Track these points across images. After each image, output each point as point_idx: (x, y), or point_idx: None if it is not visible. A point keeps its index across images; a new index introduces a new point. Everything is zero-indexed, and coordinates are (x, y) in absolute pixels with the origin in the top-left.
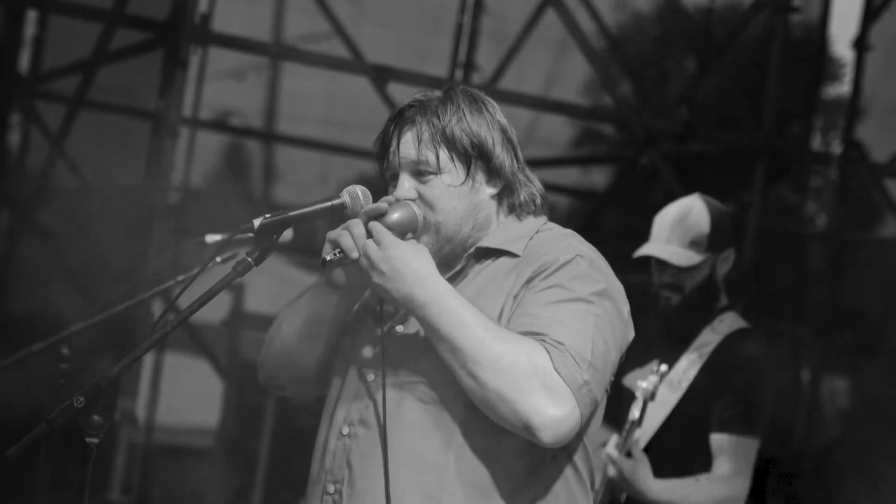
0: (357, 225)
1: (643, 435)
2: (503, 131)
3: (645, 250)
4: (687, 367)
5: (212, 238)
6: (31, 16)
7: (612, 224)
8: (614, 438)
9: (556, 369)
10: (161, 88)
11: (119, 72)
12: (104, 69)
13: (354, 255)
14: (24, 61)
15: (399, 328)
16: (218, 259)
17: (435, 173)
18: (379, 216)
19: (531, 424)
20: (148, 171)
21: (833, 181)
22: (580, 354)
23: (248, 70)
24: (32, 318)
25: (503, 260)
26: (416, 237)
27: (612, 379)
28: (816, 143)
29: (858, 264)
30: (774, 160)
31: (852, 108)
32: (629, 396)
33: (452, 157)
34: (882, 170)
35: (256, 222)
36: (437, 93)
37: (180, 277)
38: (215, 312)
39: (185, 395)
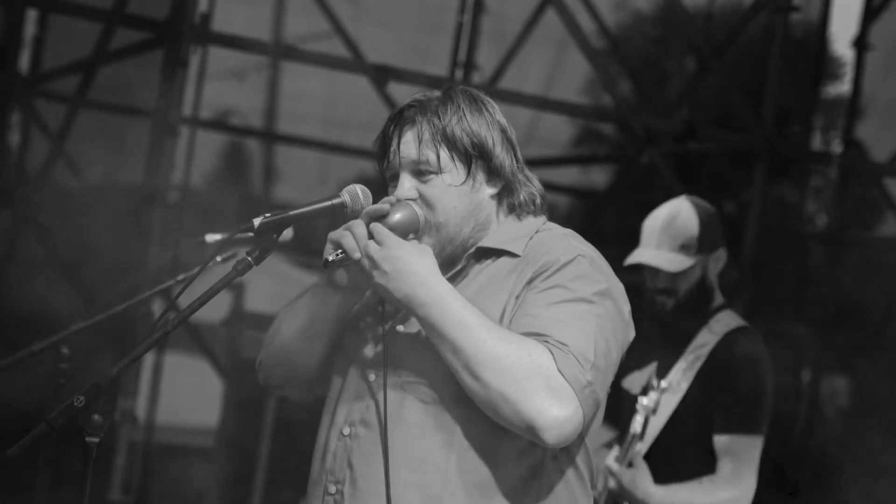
0: (359, 225)
1: (643, 440)
2: (503, 131)
3: (636, 258)
4: (685, 369)
5: (212, 237)
6: (32, 15)
7: (612, 223)
8: (615, 450)
9: (559, 370)
10: (161, 88)
11: (119, 71)
12: (104, 69)
13: (357, 255)
14: (24, 61)
15: (400, 328)
16: (218, 258)
17: (436, 173)
18: (381, 217)
19: (535, 425)
20: (148, 170)
21: (833, 180)
22: (583, 355)
23: (249, 70)
24: (32, 318)
25: (503, 260)
26: (418, 237)
27: (613, 379)
28: (816, 142)
29: (858, 263)
30: (774, 160)
31: (852, 107)
32: (628, 398)
33: (453, 157)
34: (882, 169)
35: (256, 221)
36: (437, 93)
37: (180, 277)
38: (215, 312)
39: (185, 395)
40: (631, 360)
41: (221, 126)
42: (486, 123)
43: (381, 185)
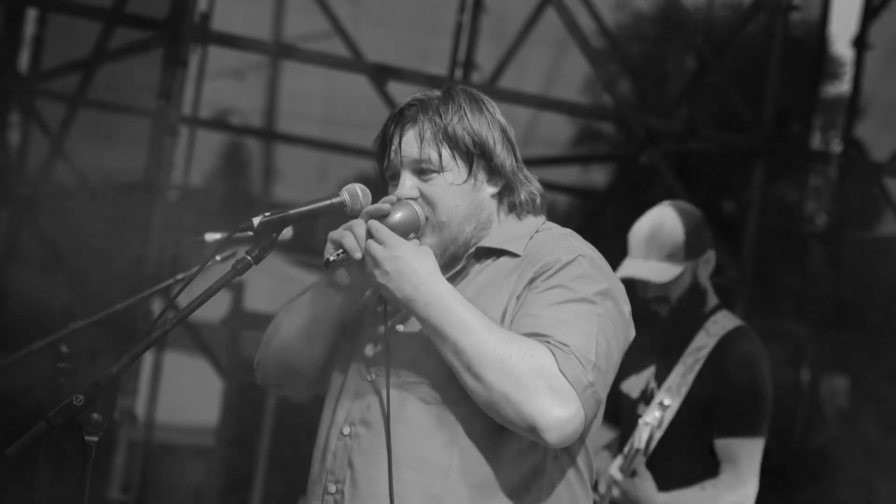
0: (360, 225)
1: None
2: (503, 130)
3: (624, 271)
4: (684, 373)
5: (211, 237)
6: (31, 14)
7: (612, 223)
8: (618, 460)
9: (560, 370)
10: (161, 87)
11: (119, 71)
12: (104, 68)
13: (358, 255)
14: (23, 60)
15: (400, 327)
16: (217, 257)
17: (437, 172)
18: (381, 216)
19: (537, 425)
20: (147, 169)
21: (833, 180)
22: (584, 356)
23: (248, 69)
24: (32, 317)
25: (504, 260)
26: (419, 237)
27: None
28: (816, 141)
29: (858, 263)
30: (774, 159)
31: (852, 106)
32: (627, 402)
33: (455, 156)
34: (882, 168)
35: (256, 221)
36: (437, 92)
37: (180, 276)
38: (215, 311)
39: (184, 394)
40: (629, 364)
41: (221, 125)
42: (487, 123)
43: (381, 185)
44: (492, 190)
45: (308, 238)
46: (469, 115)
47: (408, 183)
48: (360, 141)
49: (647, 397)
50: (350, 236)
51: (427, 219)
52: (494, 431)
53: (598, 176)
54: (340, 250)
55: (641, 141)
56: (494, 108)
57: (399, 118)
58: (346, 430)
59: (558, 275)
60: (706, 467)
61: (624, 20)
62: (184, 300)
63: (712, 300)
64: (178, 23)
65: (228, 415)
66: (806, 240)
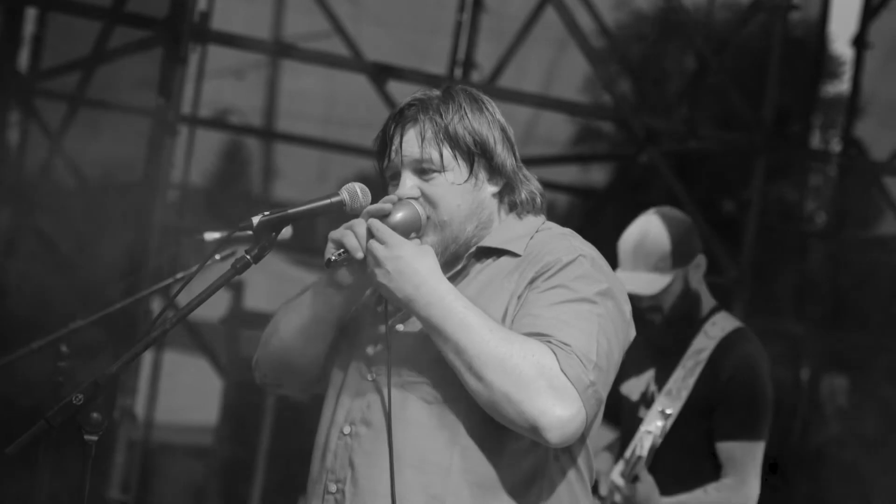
0: (360, 224)
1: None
2: (503, 130)
3: None
4: (685, 377)
5: (211, 236)
6: (31, 14)
7: (611, 222)
8: (619, 465)
9: (562, 370)
10: (160, 86)
11: (118, 70)
12: (103, 67)
13: (359, 255)
14: (23, 59)
15: (400, 327)
16: (217, 256)
17: (438, 171)
18: (383, 216)
19: (538, 425)
20: (147, 169)
21: (832, 179)
22: (586, 355)
23: (248, 68)
24: (31, 317)
25: (504, 259)
26: (420, 236)
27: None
28: (816, 141)
29: (858, 262)
30: (774, 158)
31: (851, 106)
32: (627, 404)
33: (456, 155)
34: (881, 167)
35: (255, 220)
36: (437, 92)
37: (179, 275)
38: (214, 310)
39: (184, 393)
40: (629, 366)
41: (220, 124)
42: (487, 122)
43: (381, 184)
44: (492, 189)
45: (307, 237)
46: (469, 115)
47: (409, 182)
48: (359, 140)
49: (647, 400)
50: (351, 236)
51: (428, 218)
52: (496, 431)
53: (597, 175)
54: (342, 250)
55: (641, 140)
56: (494, 107)
57: (399, 118)
58: (347, 430)
59: (559, 275)
60: (707, 470)
61: (623, 19)
62: (183, 299)
63: (708, 303)
64: (177, 22)
65: (228, 414)
66: (806, 239)
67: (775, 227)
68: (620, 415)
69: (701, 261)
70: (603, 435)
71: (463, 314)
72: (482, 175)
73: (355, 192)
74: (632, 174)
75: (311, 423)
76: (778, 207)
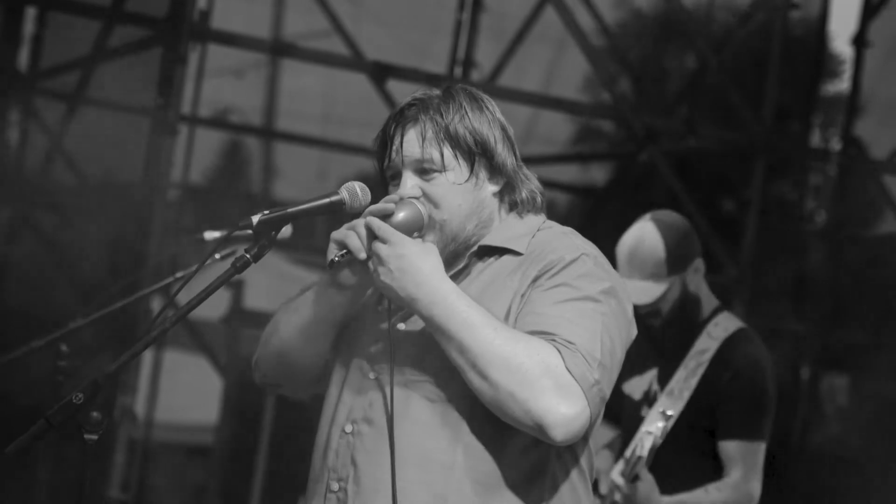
0: (363, 224)
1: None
2: (503, 129)
3: None
4: (687, 377)
5: (210, 235)
6: (30, 13)
7: (612, 221)
8: (620, 464)
9: (567, 369)
10: (160, 86)
11: (118, 69)
12: (103, 66)
13: (362, 255)
14: (23, 58)
15: (401, 326)
16: (217, 255)
17: (439, 171)
18: (385, 216)
19: (543, 423)
20: (147, 168)
21: (832, 178)
22: (590, 354)
23: (248, 67)
24: (31, 316)
25: (506, 258)
26: (422, 236)
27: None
28: (816, 139)
29: (858, 261)
30: (774, 157)
31: (851, 104)
32: (629, 403)
33: (456, 155)
34: (881, 166)
35: (255, 219)
36: (437, 91)
37: (179, 274)
38: (214, 309)
39: (184, 392)
40: (631, 365)
41: (220, 124)
42: (488, 121)
43: (381, 184)
44: (493, 188)
45: (307, 236)
46: (470, 114)
47: (409, 182)
48: (359, 139)
49: (650, 399)
50: (354, 236)
51: (430, 217)
52: (498, 428)
53: (597, 174)
54: (344, 250)
55: (641, 139)
56: (494, 106)
57: (400, 118)
58: (349, 428)
59: (562, 273)
60: (709, 469)
61: (623, 18)
62: (183, 298)
63: (710, 304)
64: (177, 21)
65: (228, 413)
66: (805, 238)
67: (775, 226)
68: (622, 413)
69: (699, 265)
70: (603, 433)
71: (466, 313)
72: (483, 174)
73: (355, 191)
74: (632, 173)
75: (312, 422)
76: (778, 206)
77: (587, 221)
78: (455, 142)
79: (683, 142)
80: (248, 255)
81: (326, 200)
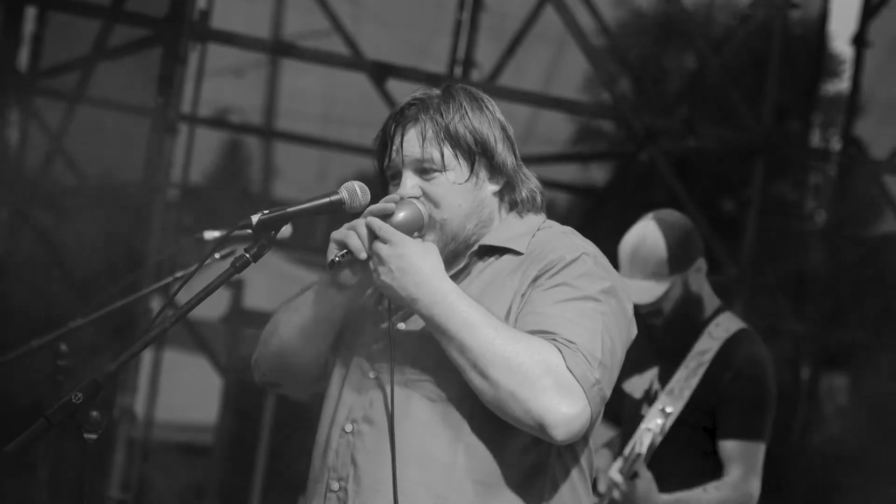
0: (363, 224)
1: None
2: (503, 128)
3: None
4: (687, 376)
5: (210, 234)
6: (30, 13)
7: (611, 221)
8: (618, 462)
9: (568, 368)
10: (160, 85)
11: (118, 69)
12: (103, 66)
13: (363, 255)
14: (23, 58)
15: (401, 325)
16: (216, 255)
17: (440, 171)
18: (385, 216)
19: (544, 423)
20: (147, 167)
21: (832, 178)
22: (591, 353)
23: (247, 67)
24: (31, 315)
25: (506, 258)
26: (422, 235)
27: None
28: (816, 139)
29: (857, 261)
30: (773, 157)
31: (851, 104)
32: (629, 402)
33: (457, 155)
34: (881, 166)
35: (255, 218)
36: (437, 91)
37: (179, 274)
38: (214, 309)
39: (183, 392)
40: (631, 364)
41: (220, 123)
42: (488, 121)
43: (380, 183)
44: (493, 188)
45: (307, 236)
46: (470, 114)
47: (410, 182)
48: (359, 139)
49: (650, 398)
50: (354, 236)
51: (430, 217)
52: (499, 428)
53: (597, 174)
54: (345, 250)
55: (641, 139)
56: (494, 106)
57: (400, 117)
58: (349, 428)
59: (563, 272)
60: (708, 469)
61: (623, 18)
62: (183, 298)
63: (712, 304)
64: (177, 21)
65: (228, 413)
66: (805, 237)
67: (775, 225)
68: (621, 412)
69: (701, 264)
70: (602, 432)
71: (466, 313)
72: (483, 174)
73: (354, 190)
74: (631, 173)
75: (311, 421)
76: (778, 206)
77: (587, 221)
78: (455, 141)
79: (683, 142)
80: (247, 255)
81: (326, 200)
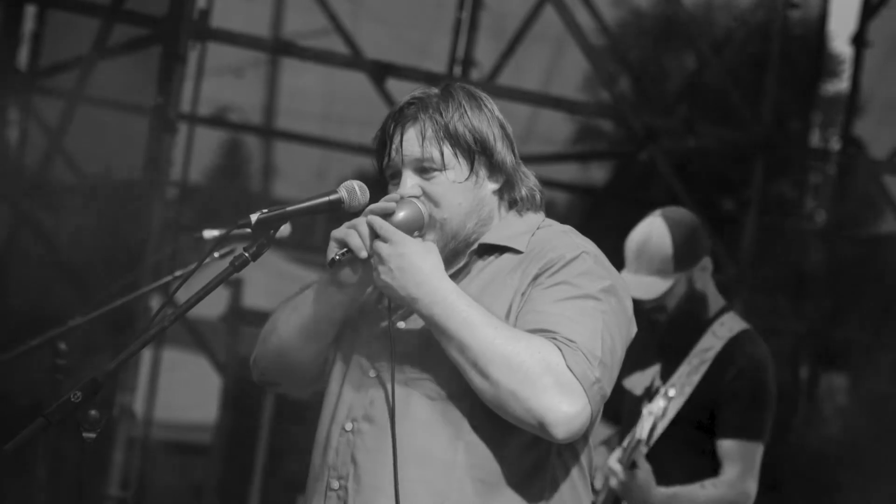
0: (363, 223)
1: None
2: (502, 127)
3: None
4: (689, 373)
5: (210, 233)
6: (30, 11)
7: (611, 220)
8: (618, 451)
9: (568, 367)
10: (159, 84)
11: (117, 67)
12: (102, 65)
13: (363, 254)
14: (22, 57)
15: (401, 324)
16: (216, 254)
17: (439, 170)
18: (386, 215)
19: (545, 421)
20: (146, 166)
21: (832, 177)
22: (591, 352)
23: (247, 66)
24: (30, 314)
25: (506, 256)
26: (422, 234)
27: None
28: (815, 139)
29: (857, 261)
30: (773, 156)
31: (851, 104)
32: (630, 399)
33: (456, 153)
34: (881, 166)
35: (254, 217)
36: (436, 90)
37: (178, 272)
38: (213, 308)
39: (183, 391)
40: (632, 361)
41: (220, 122)
42: (487, 120)
43: (380, 182)
44: (493, 186)
45: (306, 235)
46: (469, 113)
47: (410, 181)
48: (358, 138)
49: (651, 395)
50: (355, 235)
51: (430, 216)
52: (499, 427)
53: (597, 173)
54: (345, 249)
55: (641, 139)
56: (493, 104)
57: (399, 117)
58: (349, 426)
59: (563, 271)
60: (707, 467)
61: (623, 18)
62: (182, 296)
63: (716, 303)
64: (176, 20)
65: (227, 411)
66: (805, 237)
67: (774, 225)
68: (622, 410)
69: (707, 263)
70: (600, 431)
71: (466, 312)
72: (482, 172)
73: (354, 190)
74: (631, 172)
75: (311, 420)
76: (777, 206)
77: (586, 221)
78: (455, 140)
79: (683, 141)
80: (246, 254)
81: (325, 199)
